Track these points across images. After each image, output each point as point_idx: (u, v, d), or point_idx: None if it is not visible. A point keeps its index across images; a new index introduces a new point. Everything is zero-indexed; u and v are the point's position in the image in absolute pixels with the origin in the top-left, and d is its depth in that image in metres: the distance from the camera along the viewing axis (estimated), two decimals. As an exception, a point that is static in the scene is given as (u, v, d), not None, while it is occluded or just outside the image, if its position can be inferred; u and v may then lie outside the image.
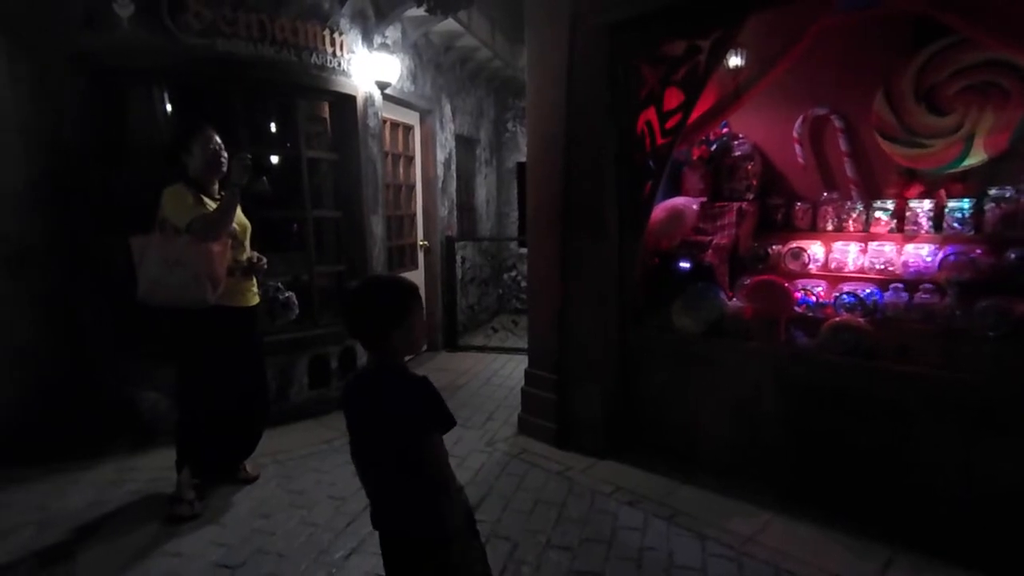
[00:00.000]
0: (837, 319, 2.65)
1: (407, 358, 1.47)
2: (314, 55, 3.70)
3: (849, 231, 3.07)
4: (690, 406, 2.99)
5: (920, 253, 2.79)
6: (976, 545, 2.18)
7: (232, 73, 3.44)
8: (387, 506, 1.45)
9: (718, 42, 2.69)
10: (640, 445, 3.17)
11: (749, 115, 3.36)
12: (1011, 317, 2.29)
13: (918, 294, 2.63)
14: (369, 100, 4.19)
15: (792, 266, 3.10)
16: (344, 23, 3.91)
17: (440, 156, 5.56)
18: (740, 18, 2.63)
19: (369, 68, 4.13)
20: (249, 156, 2.55)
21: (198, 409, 2.68)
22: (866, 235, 3.01)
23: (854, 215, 3.06)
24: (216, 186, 2.64)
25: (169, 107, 3.42)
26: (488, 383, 4.54)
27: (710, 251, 3.25)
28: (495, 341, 5.65)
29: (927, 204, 2.84)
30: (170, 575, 2.23)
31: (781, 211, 3.32)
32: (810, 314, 2.83)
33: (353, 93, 4.00)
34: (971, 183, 2.80)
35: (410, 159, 5.35)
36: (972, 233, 2.70)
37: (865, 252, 2.97)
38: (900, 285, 2.72)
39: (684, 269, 3.20)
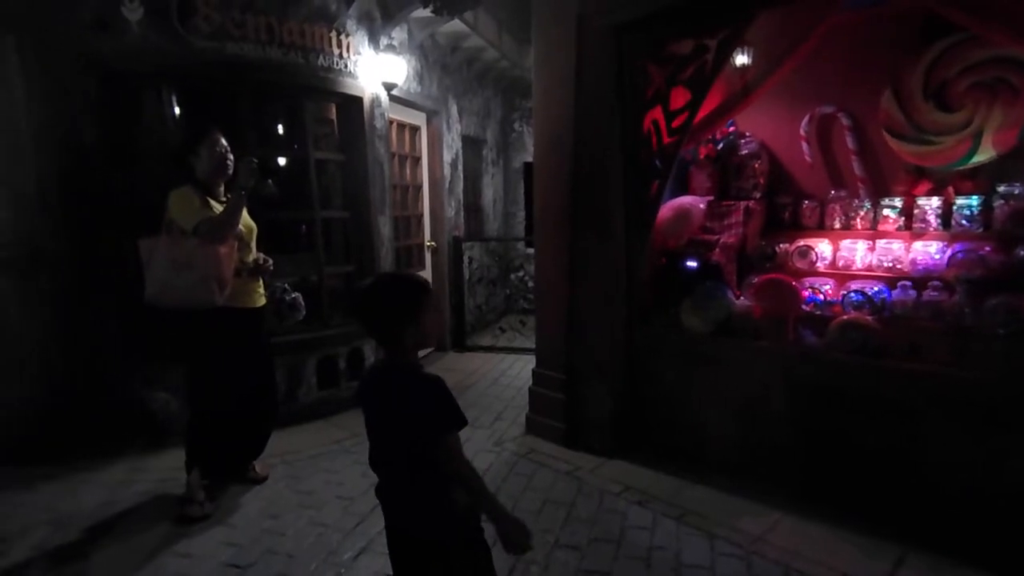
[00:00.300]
0: (845, 317, 2.64)
1: (422, 353, 1.49)
2: (321, 57, 3.72)
3: (857, 229, 3.06)
4: (698, 405, 2.99)
5: (928, 251, 2.77)
6: (988, 544, 2.17)
7: (240, 75, 3.47)
8: (399, 505, 1.47)
9: (725, 41, 2.69)
10: (649, 445, 3.16)
11: (756, 113, 3.35)
12: (1021, 315, 2.28)
13: (926, 292, 2.62)
14: (376, 101, 4.21)
15: (800, 264, 3.09)
16: (351, 25, 3.93)
17: (447, 157, 5.57)
18: (747, 17, 2.63)
19: (376, 69, 4.15)
20: (255, 159, 2.58)
21: (207, 410, 2.70)
22: (874, 233, 3.00)
23: (862, 213, 3.05)
24: (222, 188, 2.66)
25: (179, 109, 3.46)
26: (496, 383, 4.55)
27: (717, 250, 3.24)
28: (503, 341, 5.66)
29: (935, 201, 2.83)
30: None
31: (788, 209, 3.31)
32: (818, 312, 2.83)
33: (360, 94, 4.02)
34: (980, 180, 2.78)
35: (417, 160, 5.36)
36: (981, 230, 2.69)
37: (873, 250, 2.96)
38: (908, 283, 2.71)
39: (691, 268, 3.20)
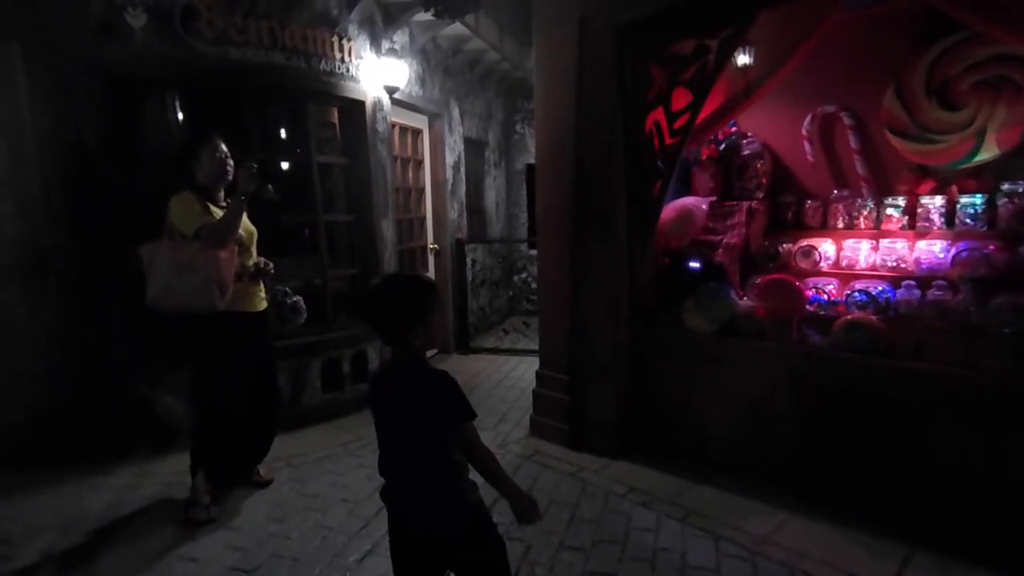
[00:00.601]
0: (849, 317, 2.63)
1: (429, 353, 1.51)
2: (323, 61, 3.74)
3: (860, 228, 3.06)
4: (702, 406, 2.99)
5: (932, 250, 2.77)
6: (994, 543, 2.16)
7: (243, 80, 3.49)
8: (414, 505, 1.47)
9: (727, 41, 2.69)
10: (653, 445, 3.16)
11: (758, 113, 3.35)
12: (1027, 313, 2.27)
13: (931, 291, 2.61)
14: (378, 105, 4.22)
15: (803, 264, 3.09)
16: (352, 29, 3.95)
17: (449, 159, 5.59)
18: (749, 16, 2.62)
19: (377, 73, 4.16)
20: (255, 164, 2.59)
21: (211, 414, 2.71)
22: (877, 232, 2.99)
23: (865, 212, 3.05)
24: (222, 193, 2.68)
25: (183, 114, 3.47)
26: (500, 385, 4.56)
27: (720, 250, 3.24)
28: (507, 343, 5.66)
29: (939, 200, 2.82)
30: (188, 577, 2.26)
31: (791, 209, 3.31)
32: (822, 312, 2.82)
33: (362, 98, 4.04)
34: (984, 178, 2.77)
35: (419, 162, 5.38)
36: (985, 229, 2.68)
37: (877, 249, 2.96)
38: (912, 282, 2.70)
39: (695, 269, 3.20)
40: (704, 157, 3.57)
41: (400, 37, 4.52)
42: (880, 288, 2.79)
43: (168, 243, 2.52)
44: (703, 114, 2.98)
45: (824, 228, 3.17)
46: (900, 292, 2.71)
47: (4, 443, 3.11)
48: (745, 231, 3.25)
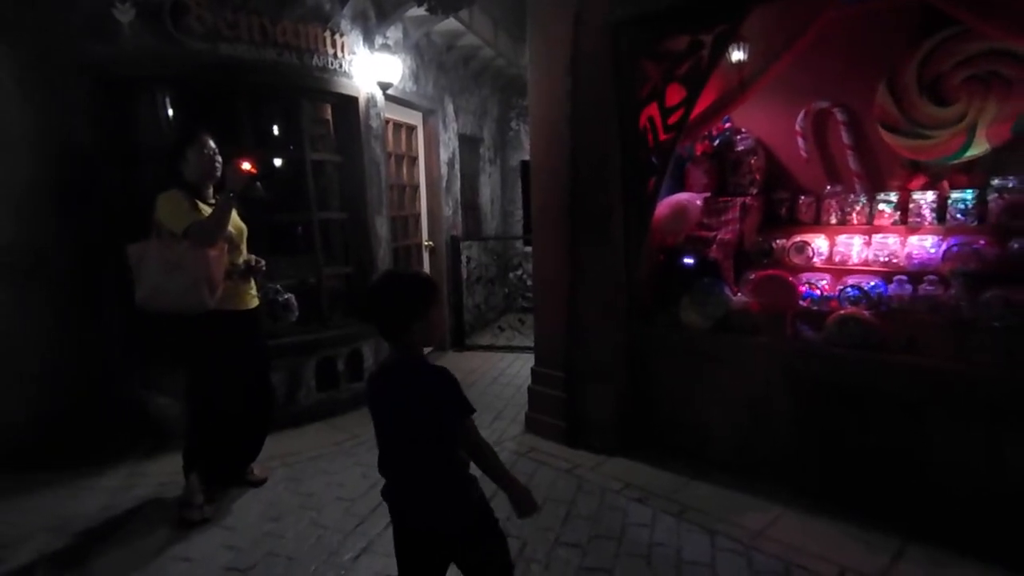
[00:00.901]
0: (842, 312, 2.64)
1: (427, 350, 1.51)
2: (315, 57, 3.71)
3: (853, 224, 3.06)
4: (699, 402, 3.00)
5: (924, 245, 2.78)
6: (986, 535, 2.18)
7: (235, 77, 3.46)
8: (416, 501, 1.48)
9: (720, 37, 2.69)
10: (649, 442, 3.17)
11: (751, 109, 3.35)
12: (1017, 307, 2.28)
13: (922, 286, 2.63)
14: (371, 101, 4.20)
15: (797, 260, 3.10)
16: (345, 24, 3.92)
17: (444, 156, 5.57)
18: (742, 13, 2.62)
19: (371, 69, 4.14)
20: (244, 162, 2.57)
21: (204, 413, 2.70)
22: (870, 228, 3.00)
23: (857, 208, 3.06)
24: (211, 191, 2.66)
25: (175, 111, 3.45)
26: (496, 382, 4.56)
27: (715, 246, 3.25)
28: (502, 340, 5.66)
29: (930, 196, 2.83)
30: (183, 577, 2.25)
31: (785, 205, 3.32)
32: (815, 308, 2.83)
33: (355, 94, 4.01)
34: (974, 174, 2.78)
35: (413, 159, 5.36)
36: (976, 224, 2.69)
37: (869, 245, 2.97)
38: (904, 277, 2.72)
39: (689, 265, 3.20)
40: (698, 153, 3.57)
41: (393, 33, 4.50)
42: (872, 283, 2.80)
43: (156, 242, 2.50)
44: (697, 110, 2.98)
45: (817, 224, 3.18)
46: (892, 287, 2.72)
47: (0, 444, 3.08)
48: (739, 227, 3.26)
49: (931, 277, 2.63)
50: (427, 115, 5.40)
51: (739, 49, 3.10)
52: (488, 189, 6.95)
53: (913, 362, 2.38)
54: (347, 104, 4.02)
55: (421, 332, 1.45)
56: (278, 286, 3.63)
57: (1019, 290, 2.32)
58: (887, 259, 2.87)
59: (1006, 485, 2.16)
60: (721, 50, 2.74)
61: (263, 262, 2.79)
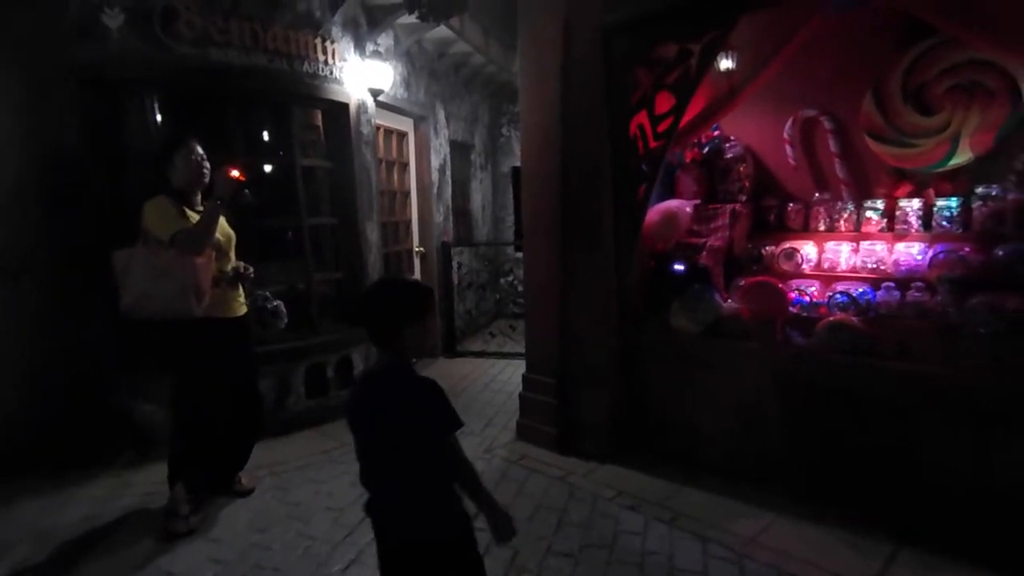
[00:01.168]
0: (832, 318, 2.66)
1: (413, 361, 1.49)
2: (306, 63, 3.70)
3: (841, 231, 3.09)
4: (690, 408, 3.00)
5: (911, 252, 2.81)
6: (977, 538, 2.19)
7: (225, 82, 3.44)
8: (400, 513, 1.45)
9: (709, 45, 2.72)
10: (641, 448, 3.17)
11: (740, 117, 3.38)
12: (1003, 313, 2.31)
13: (910, 292, 2.65)
14: (362, 107, 4.19)
15: (786, 267, 3.12)
16: (336, 31, 3.92)
17: (435, 162, 5.57)
18: (731, 20, 2.65)
19: (362, 75, 4.13)
20: (232, 169, 2.55)
21: (191, 422, 2.66)
22: (857, 235, 3.03)
23: (845, 215, 3.09)
24: (199, 197, 2.63)
25: (164, 116, 3.42)
26: (487, 388, 4.54)
27: (705, 253, 3.26)
28: (493, 346, 5.65)
29: (916, 203, 2.87)
30: (168, 590, 2.21)
31: (774, 212, 3.35)
32: (804, 314, 2.85)
33: (346, 101, 4.01)
34: (959, 182, 2.82)
35: (404, 165, 5.35)
36: (961, 231, 2.73)
37: (857, 251, 3.00)
38: (892, 284, 2.75)
39: (679, 272, 3.22)
40: (688, 160, 3.60)
41: (385, 40, 4.50)
42: (861, 290, 2.82)
43: (143, 249, 2.47)
44: (686, 117, 3.00)
45: (806, 230, 3.21)
46: (880, 293, 2.75)
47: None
48: (729, 234, 3.28)
49: (918, 284, 2.66)
50: (418, 121, 5.40)
51: (728, 57, 3.13)
52: (479, 195, 6.95)
53: (902, 367, 2.39)
54: (338, 110, 4.01)
55: (413, 339, 1.43)
56: (267, 292, 3.60)
57: (1004, 296, 2.35)
58: (875, 266, 2.90)
59: (994, 488, 2.17)
60: (710, 58, 2.76)
61: (251, 269, 2.77)
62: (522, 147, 3.55)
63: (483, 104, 6.90)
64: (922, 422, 2.33)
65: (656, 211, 3.32)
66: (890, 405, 2.40)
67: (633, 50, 2.95)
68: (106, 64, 3.13)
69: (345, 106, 4.01)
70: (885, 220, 2.97)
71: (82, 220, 3.20)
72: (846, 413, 2.51)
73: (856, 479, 2.50)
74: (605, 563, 2.29)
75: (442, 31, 4.87)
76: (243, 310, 2.80)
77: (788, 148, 3.30)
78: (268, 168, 3.89)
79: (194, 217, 2.53)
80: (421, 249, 5.51)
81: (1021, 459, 2.12)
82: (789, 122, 3.27)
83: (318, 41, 3.75)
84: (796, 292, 2.96)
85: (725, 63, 3.13)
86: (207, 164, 2.60)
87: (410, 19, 4.20)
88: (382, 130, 4.84)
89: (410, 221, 5.45)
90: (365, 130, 4.24)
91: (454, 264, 5.72)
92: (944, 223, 2.77)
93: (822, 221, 3.16)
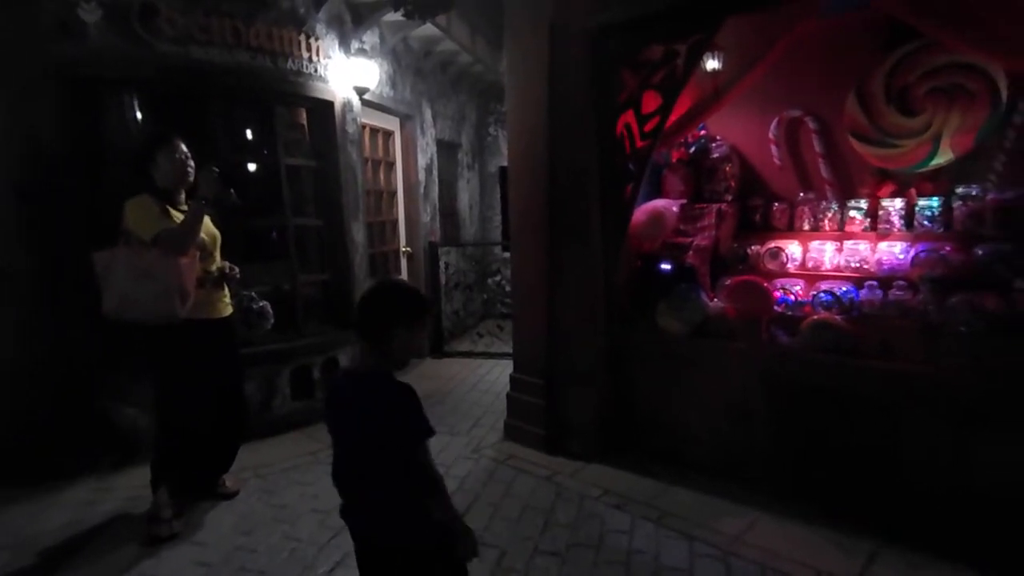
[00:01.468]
0: (815, 317, 2.68)
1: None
2: (290, 61, 3.66)
3: (825, 230, 3.12)
4: (677, 407, 3.01)
5: (893, 251, 2.84)
6: (959, 536, 2.22)
7: (207, 81, 3.39)
8: (375, 517, 1.43)
9: (695, 46, 2.73)
10: (629, 448, 3.17)
11: (726, 117, 3.40)
12: (982, 312, 2.35)
13: (892, 291, 2.69)
14: (348, 106, 4.16)
15: (771, 266, 3.14)
16: (320, 28, 3.88)
17: (421, 161, 5.54)
18: (716, 23, 2.66)
19: (347, 73, 4.10)
20: (217, 169, 2.51)
21: (175, 424, 2.62)
22: (841, 234, 3.07)
23: (829, 215, 3.12)
24: (183, 196, 2.59)
25: (146, 115, 3.36)
26: (474, 389, 4.53)
27: (691, 252, 3.28)
28: (481, 346, 5.64)
29: (899, 203, 2.90)
30: (150, 596, 2.18)
31: (759, 212, 3.37)
32: (790, 313, 2.87)
33: (331, 99, 3.97)
34: (940, 182, 2.86)
35: (391, 165, 5.32)
36: (942, 231, 2.77)
37: (841, 251, 3.03)
38: (875, 283, 2.78)
39: (666, 271, 3.23)
40: (674, 160, 3.61)
41: (370, 37, 4.47)
42: (844, 288, 2.85)
43: (125, 249, 2.42)
44: (673, 117, 3.01)
45: (791, 230, 3.24)
46: (863, 292, 2.78)
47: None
48: (715, 233, 3.30)
49: (900, 282, 2.69)
50: (404, 120, 5.37)
51: (714, 58, 3.14)
52: (466, 195, 6.93)
53: (885, 366, 2.42)
54: (323, 109, 3.98)
55: (401, 342, 1.42)
56: (253, 293, 3.56)
57: (983, 295, 2.39)
58: (858, 265, 2.93)
59: (975, 486, 2.20)
60: (696, 59, 2.77)
61: (237, 269, 2.73)
62: (509, 147, 3.54)
63: (470, 103, 6.87)
64: (904, 421, 2.35)
65: (643, 211, 3.33)
66: (873, 404, 2.42)
67: (619, 51, 2.95)
68: (84, 62, 3.07)
69: (330, 104, 3.98)
70: (868, 220, 3.00)
71: (62, 220, 3.13)
72: (830, 412, 2.53)
73: (841, 477, 2.52)
74: (592, 562, 2.29)
75: (428, 29, 4.84)
76: (228, 311, 2.76)
77: (773, 148, 3.33)
78: (252, 167, 3.84)
79: (177, 216, 2.49)
80: (408, 249, 5.48)
81: (1001, 458, 2.15)
82: (774, 122, 3.29)
83: (302, 38, 3.71)
84: (781, 291, 2.99)
85: (711, 64, 3.15)
86: (192, 162, 2.56)
87: (396, 16, 4.17)
88: (368, 129, 4.80)
89: (397, 221, 5.42)
90: (351, 129, 4.21)
91: (441, 264, 5.70)
92: (926, 223, 2.81)
93: (807, 221, 3.19)
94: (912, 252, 2.76)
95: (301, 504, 2.79)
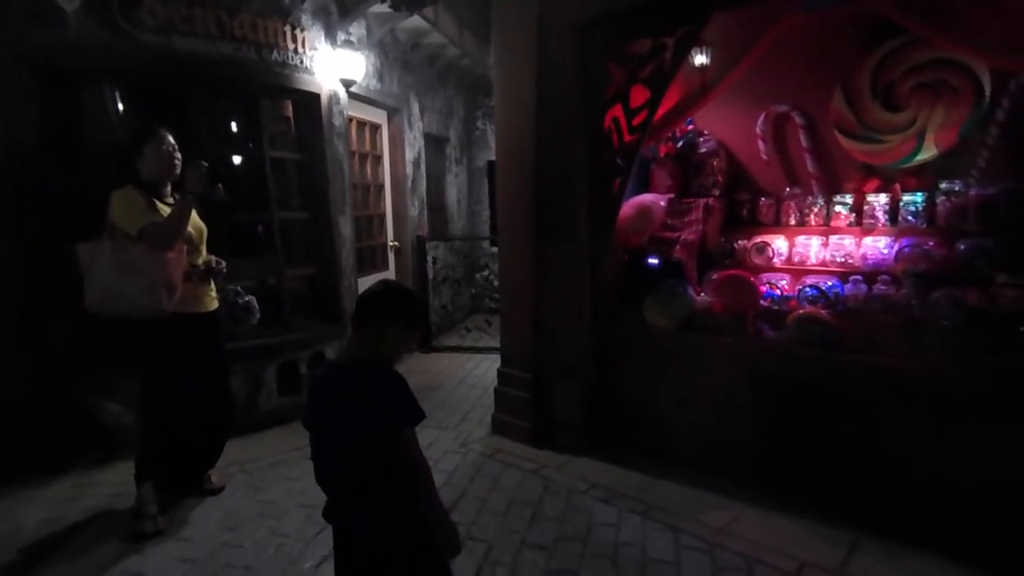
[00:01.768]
0: (801, 312, 2.71)
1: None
2: (275, 52, 3.61)
3: (811, 225, 3.15)
4: (664, 401, 3.03)
5: (878, 246, 2.88)
6: (939, 527, 2.25)
7: (191, 72, 3.33)
8: (360, 516, 1.42)
9: (683, 40, 2.73)
10: (616, 441, 3.19)
11: (714, 112, 3.41)
12: (964, 307, 2.38)
13: (876, 285, 2.72)
14: (334, 98, 4.11)
15: (757, 260, 3.16)
16: (306, 19, 3.83)
17: (409, 155, 5.50)
18: (704, 16, 2.66)
19: (333, 66, 4.05)
20: (205, 163, 2.48)
21: (160, 420, 2.59)
22: (827, 229, 3.09)
23: (815, 210, 3.14)
24: (169, 188, 2.55)
25: (127, 107, 3.29)
26: (462, 383, 4.52)
27: (679, 247, 3.29)
28: (469, 341, 5.63)
29: (883, 198, 2.93)
30: (133, 594, 2.15)
31: (746, 206, 3.39)
32: (776, 307, 2.90)
33: (317, 91, 3.92)
34: (924, 177, 2.90)
35: (378, 158, 5.28)
36: (925, 226, 2.80)
37: (826, 245, 3.06)
38: (859, 277, 2.81)
39: (653, 266, 3.24)
40: (662, 154, 3.62)
41: (357, 29, 4.42)
42: (830, 283, 2.88)
43: (109, 243, 2.37)
44: (661, 111, 3.01)
45: (777, 225, 3.26)
46: (848, 287, 2.81)
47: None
48: (702, 228, 3.31)
49: (884, 277, 2.73)
50: (392, 114, 5.32)
51: (702, 52, 3.15)
52: (454, 189, 6.90)
53: (870, 361, 2.44)
54: (308, 101, 3.93)
55: (392, 341, 1.42)
56: (239, 287, 3.51)
57: (966, 290, 2.42)
58: (843, 259, 2.96)
59: (956, 480, 2.24)
60: (683, 53, 2.77)
61: (223, 263, 2.70)
62: (497, 141, 3.52)
63: (458, 97, 6.83)
64: (887, 415, 2.38)
65: (630, 205, 3.34)
66: (858, 398, 2.45)
67: (607, 45, 2.94)
68: (63, 52, 2.99)
69: (316, 96, 3.93)
70: (853, 215, 3.03)
71: (42, 216, 3.07)
72: (815, 406, 2.56)
73: (825, 471, 2.55)
74: (579, 555, 2.30)
75: (416, 21, 4.80)
76: (214, 305, 2.73)
77: (760, 143, 3.35)
78: (237, 160, 3.78)
79: (164, 209, 2.45)
80: (396, 243, 5.45)
81: (980, 452, 2.18)
82: (761, 118, 3.31)
83: (287, 29, 3.66)
84: (767, 286, 3.01)
85: (699, 58, 3.15)
86: (179, 155, 2.52)
87: (383, 8, 4.12)
88: (355, 122, 4.76)
89: (384, 215, 5.38)
90: (337, 122, 4.16)
91: (429, 258, 5.67)
92: (910, 218, 2.84)
93: (793, 215, 3.21)
94: (896, 247, 2.80)
95: (287, 499, 2.77)
